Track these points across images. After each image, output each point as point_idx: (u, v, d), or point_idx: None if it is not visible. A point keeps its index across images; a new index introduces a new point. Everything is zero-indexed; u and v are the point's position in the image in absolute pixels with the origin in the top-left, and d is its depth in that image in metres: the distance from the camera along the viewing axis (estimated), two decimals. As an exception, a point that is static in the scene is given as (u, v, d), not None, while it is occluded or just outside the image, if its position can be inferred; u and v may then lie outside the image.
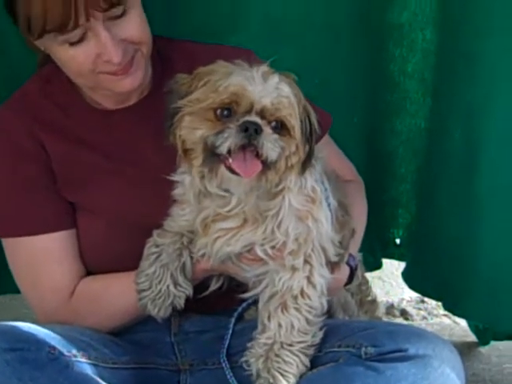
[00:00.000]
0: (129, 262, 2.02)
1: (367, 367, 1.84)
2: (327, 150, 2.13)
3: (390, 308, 3.35)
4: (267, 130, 1.78)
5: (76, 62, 1.99)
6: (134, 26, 2.00)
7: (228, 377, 2.02)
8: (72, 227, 2.14)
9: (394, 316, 3.31)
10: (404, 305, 3.39)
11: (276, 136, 1.79)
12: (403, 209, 2.75)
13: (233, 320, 2.10)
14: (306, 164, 1.86)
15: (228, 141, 1.76)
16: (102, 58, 1.97)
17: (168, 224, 1.99)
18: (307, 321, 1.91)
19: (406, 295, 3.41)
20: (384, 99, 2.62)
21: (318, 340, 1.92)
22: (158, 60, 2.17)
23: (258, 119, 1.77)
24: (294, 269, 1.90)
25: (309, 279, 1.91)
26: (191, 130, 1.81)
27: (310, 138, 1.85)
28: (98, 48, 1.96)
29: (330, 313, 2.06)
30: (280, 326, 1.89)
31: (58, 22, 1.90)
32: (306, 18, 2.49)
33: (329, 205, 1.96)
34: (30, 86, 2.19)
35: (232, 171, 1.79)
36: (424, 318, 3.31)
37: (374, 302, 2.33)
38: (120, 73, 2.01)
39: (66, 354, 1.90)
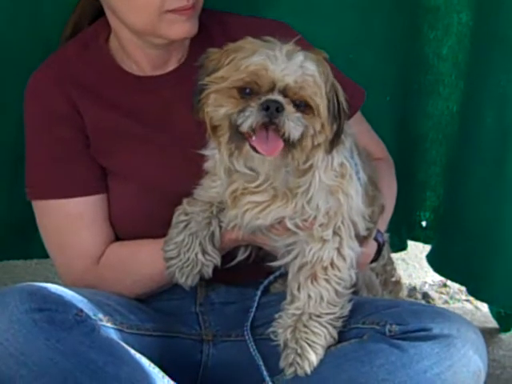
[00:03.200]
0: (158, 228, 2.03)
1: (391, 345, 1.85)
2: (359, 127, 2.13)
3: (413, 291, 3.34)
4: (289, 108, 1.78)
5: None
6: None
7: (251, 349, 2.03)
8: (103, 192, 2.14)
9: (416, 299, 3.28)
10: (426, 288, 3.37)
11: (299, 114, 1.79)
12: (431, 191, 2.74)
13: (258, 293, 2.10)
14: (333, 142, 1.86)
15: (249, 119, 1.77)
16: None
17: (198, 193, 2.00)
18: (336, 292, 1.91)
19: (428, 278, 3.40)
20: (417, 80, 2.62)
21: (346, 312, 1.93)
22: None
23: (280, 97, 1.77)
24: (323, 240, 1.91)
25: (339, 251, 1.92)
26: (216, 108, 1.83)
27: (338, 116, 1.84)
28: None
29: (354, 291, 2.05)
30: (309, 296, 1.90)
31: None
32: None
33: (359, 179, 1.97)
34: (66, 50, 2.21)
35: (255, 149, 1.80)
36: (446, 302, 3.29)
37: (398, 283, 2.32)
38: (186, 12, 2.01)
39: (93, 317, 1.91)
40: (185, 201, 2.00)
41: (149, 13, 2.01)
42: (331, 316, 1.91)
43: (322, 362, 1.89)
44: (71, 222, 2.13)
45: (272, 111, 1.76)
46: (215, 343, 2.14)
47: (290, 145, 1.80)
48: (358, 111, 2.24)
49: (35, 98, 2.15)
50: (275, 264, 2.01)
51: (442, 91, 2.62)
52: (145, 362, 1.92)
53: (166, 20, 2.02)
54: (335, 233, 1.92)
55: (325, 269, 1.91)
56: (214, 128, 1.86)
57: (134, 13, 2.03)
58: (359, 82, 2.25)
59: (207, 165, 1.98)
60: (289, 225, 1.91)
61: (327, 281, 1.90)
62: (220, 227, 1.98)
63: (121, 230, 2.16)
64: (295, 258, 1.94)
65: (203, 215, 1.98)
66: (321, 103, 1.80)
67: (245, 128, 1.78)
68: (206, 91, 1.84)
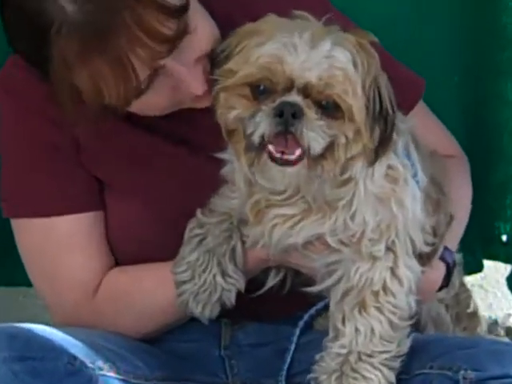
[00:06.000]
0: (164, 252, 1.88)
1: (467, 396, 1.74)
2: (421, 120, 1.93)
3: (493, 325, 3.11)
4: (310, 113, 1.59)
5: (149, 106, 1.83)
6: (204, 36, 1.82)
7: (288, 403, 1.96)
8: (99, 209, 1.97)
9: (498, 335, 3.08)
10: (511, 322, 3.23)
11: (322, 122, 1.61)
12: (513, 197, 2.61)
13: (297, 330, 1.94)
14: (378, 152, 1.67)
15: (260, 128, 1.60)
16: (181, 88, 1.80)
17: (214, 202, 1.83)
18: (391, 324, 1.74)
19: (513, 309, 3.36)
20: (493, 58, 2.34)
21: (405, 350, 1.75)
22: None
23: (299, 99, 1.60)
24: (373, 257, 1.74)
25: (393, 271, 1.74)
26: (227, 110, 1.68)
27: (382, 118, 1.65)
28: (172, 82, 1.79)
29: (417, 329, 1.91)
30: (357, 330, 1.73)
31: (116, 94, 1.71)
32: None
33: (417, 182, 1.79)
34: None
35: (272, 159, 1.65)
36: (536, 339, 3.24)
37: (474, 315, 2.16)
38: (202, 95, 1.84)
39: (89, 365, 1.75)
40: (199, 211, 1.84)
41: (161, 110, 1.86)
42: (386, 355, 1.74)
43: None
44: (60, 245, 1.95)
45: (287, 117, 1.58)
46: (244, 394, 2.06)
47: (310, 158, 1.64)
48: (417, 103, 2.06)
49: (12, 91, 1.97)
50: (313, 289, 1.82)
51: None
52: (155, 421, 1.87)
53: (184, 102, 1.84)
54: (388, 249, 1.74)
55: (376, 294, 1.74)
56: (230, 132, 1.69)
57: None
58: (418, 62, 2.12)
59: (225, 170, 1.81)
60: (330, 241, 1.74)
61: (379, 310, 1.74)
62: (242, 242, 1.82)
63: (121, 254, 2.00)
64: (338, 281, 1.77)
65: (221, 227, 1.81)
66: (354, 104, 1.61)
67: (255, 139, 1.61)
68: (215, 89, 1.69)
